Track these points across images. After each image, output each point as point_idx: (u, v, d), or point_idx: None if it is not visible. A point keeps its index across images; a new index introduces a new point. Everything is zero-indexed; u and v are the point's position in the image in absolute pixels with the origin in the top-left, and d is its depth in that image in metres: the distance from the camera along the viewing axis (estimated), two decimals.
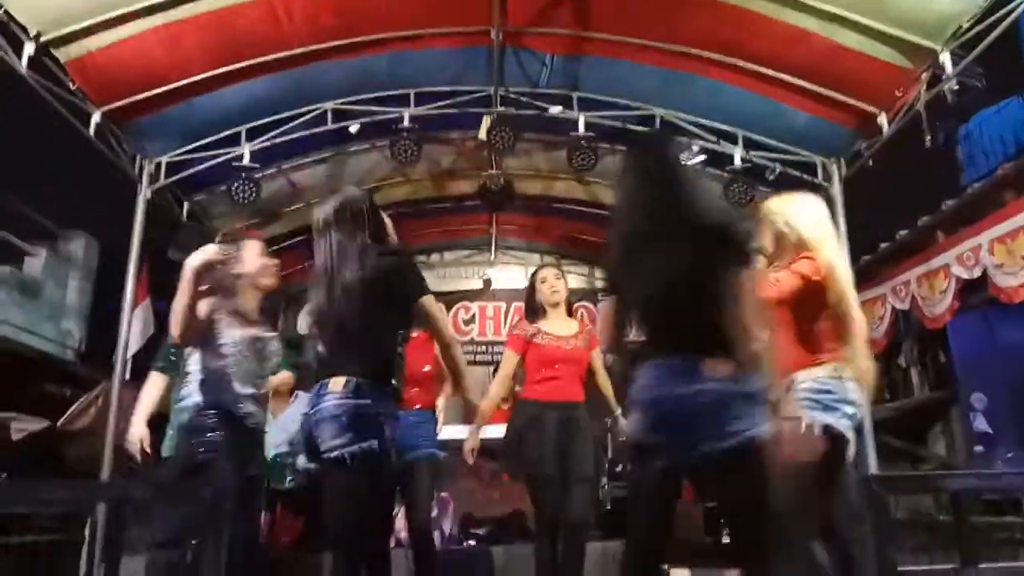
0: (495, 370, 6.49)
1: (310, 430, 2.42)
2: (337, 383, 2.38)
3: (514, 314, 8.29)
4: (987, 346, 7.19)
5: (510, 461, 3.67)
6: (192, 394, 3.00)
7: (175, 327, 2.81)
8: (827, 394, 2.54)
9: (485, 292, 8.45)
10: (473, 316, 8.40)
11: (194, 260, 2.81)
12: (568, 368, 3.68)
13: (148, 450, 3.51)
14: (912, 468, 8.13)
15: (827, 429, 2.50)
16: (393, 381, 2.51)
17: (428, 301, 2.57)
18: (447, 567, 4.53)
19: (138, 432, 3.50)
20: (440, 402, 3.91)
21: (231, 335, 2.92)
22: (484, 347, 8.23)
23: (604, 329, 2.38)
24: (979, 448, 7.02)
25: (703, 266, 2.12)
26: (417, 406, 3.72)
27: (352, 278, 2.45)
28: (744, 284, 2.09)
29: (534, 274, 3.96)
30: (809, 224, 2.74)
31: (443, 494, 5.37)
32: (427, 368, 3.80)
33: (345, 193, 2.73)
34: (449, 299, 8.23)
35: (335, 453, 2.33)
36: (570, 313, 3.89)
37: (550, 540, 3.50)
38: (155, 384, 3.61)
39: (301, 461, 2.51)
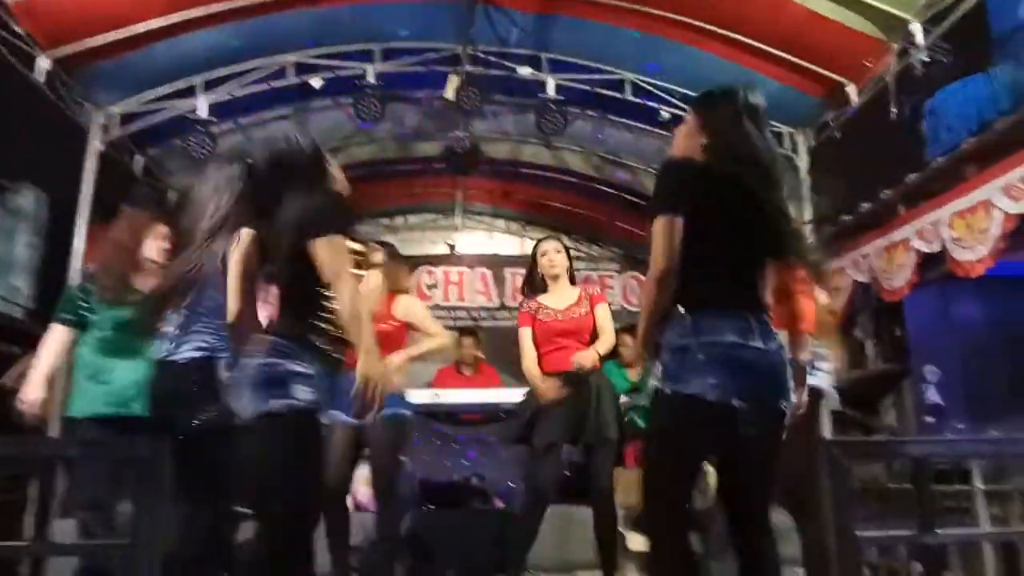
0: (461, 334, 6.47)
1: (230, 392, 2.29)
2: (259, 339, 2.25)
3: (479, 279, 8.24)
4: (941, 320, 7.33)
5: (519, 431, 3.72)
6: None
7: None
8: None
9: (449, 257, 8.37)
10: (437, 281, 8.31)
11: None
12: (574, 338, 3.69)
13: (44, 415, 3.14)
14: (864, 437, 8.31)
15: (811, 391, 2.52)
16: (314, 336, 2.25)
17: (322, 244, 2.17)
18: (405, 530, 4.52)
19: (37, 394, 3.03)
20: (397, 356, 3.71)
21: None
22: (447, 312, 8.17)
23: (668, 248, 2.04)
24: (929, 419, 7.18)
25: (780, 231, 2.12)
26: None
27: (277, 225, 2.24)
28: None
29: (535, 247, 3.95)
30: None
31: (402, 458, 5.33)
32: (382, 326, 3.68)
33: (283, 140, 2.43)
34: (413, 263, 8.14)
35: (247, 415, 2.17)
36: (573, 282, 3.88)
37: (541, 510, 3.59)
38: (58, 338, 3.11)
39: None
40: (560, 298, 3.79)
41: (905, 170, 6.33)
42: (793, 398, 2.09)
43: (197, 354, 2.70)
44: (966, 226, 5.23)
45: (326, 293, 2.24)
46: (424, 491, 5.11)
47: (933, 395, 7.25)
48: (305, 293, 2.26)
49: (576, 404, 3.59)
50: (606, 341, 3.75)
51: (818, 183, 5.72)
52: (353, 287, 2.26)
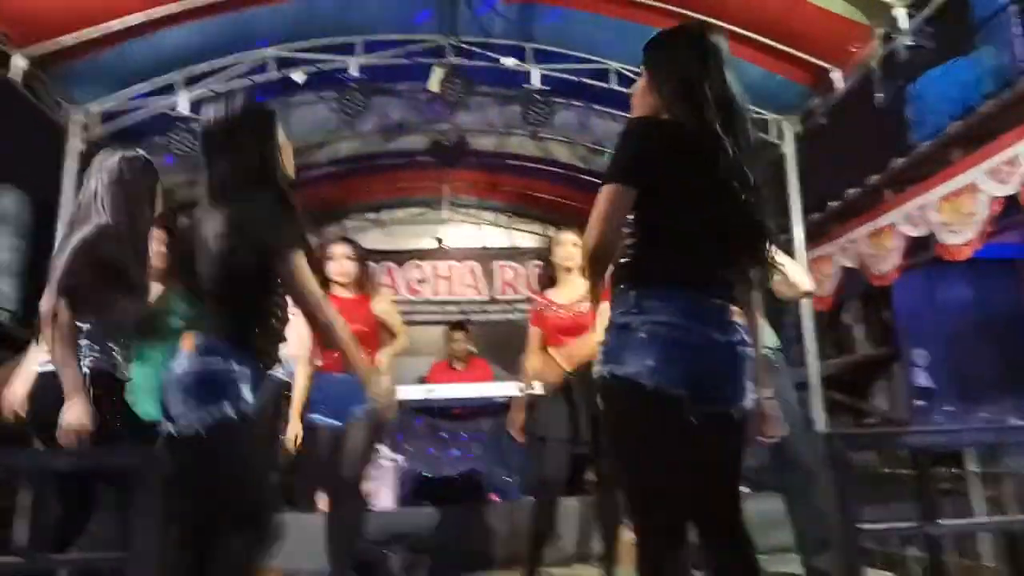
0: (450, 328, 6.45)
1: (162, 399, 2.12)
2: (188, 341, 2.15)
3: (467, 273, 8.20)
4: (928, 304, 7.37)
5: (531, 425, 3.72)
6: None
7: None
8: None
9: (437, 251, 8.33)
10: (425, 276, 8.26)
11: None
12: (579, 332, 3.68)
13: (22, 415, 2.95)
14: (855, 422, 8.36)
15: None
16: (256, 340, 2.15)
17: (280, 262, 2.08)
18: (400, 527, 4.51)
19: (20, 391, 2.83)
20: (382, 358, 3.83)
21: None
22: (437, 306, 8.13)
23: (605, 221, 1.78)
24: (920, 403, 7.23)
25: (754, 204, 1.85)
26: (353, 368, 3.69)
27: (214, 221, 2.12)
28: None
29: (552, 237, 3.99)
30: None
31: (397, 456, 5.32)
32: (363, 328, 3.70)
33: (221, 105, 2.26)
34: (400, 258, 8.10)
35: (183, 422, 2.01)
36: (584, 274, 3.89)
37: (549, 503, 3.62)
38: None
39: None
40: (567, 292, 3.78)
41: (891, 155, 6.35)
42: (750, 398, 1.84)
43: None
44: (953, 210, 5.25)
45: (270, 297, 2.15)
46: (419, 487, 5.10)
47: (923, 378, 7.31)
48: (248, 293, 2.14)
49: (570, 397, 3.61)
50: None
51: (805, 170, 5.72)
52: (328, 304, 2.19)
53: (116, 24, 4.66)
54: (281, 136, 2.30)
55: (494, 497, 5.20)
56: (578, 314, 3.72)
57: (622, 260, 1.88)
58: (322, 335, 2.17)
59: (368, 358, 3.70)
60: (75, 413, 2.26)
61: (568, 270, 3.80)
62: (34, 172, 5.50)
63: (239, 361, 2.08)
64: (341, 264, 3.80)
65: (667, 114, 1.90)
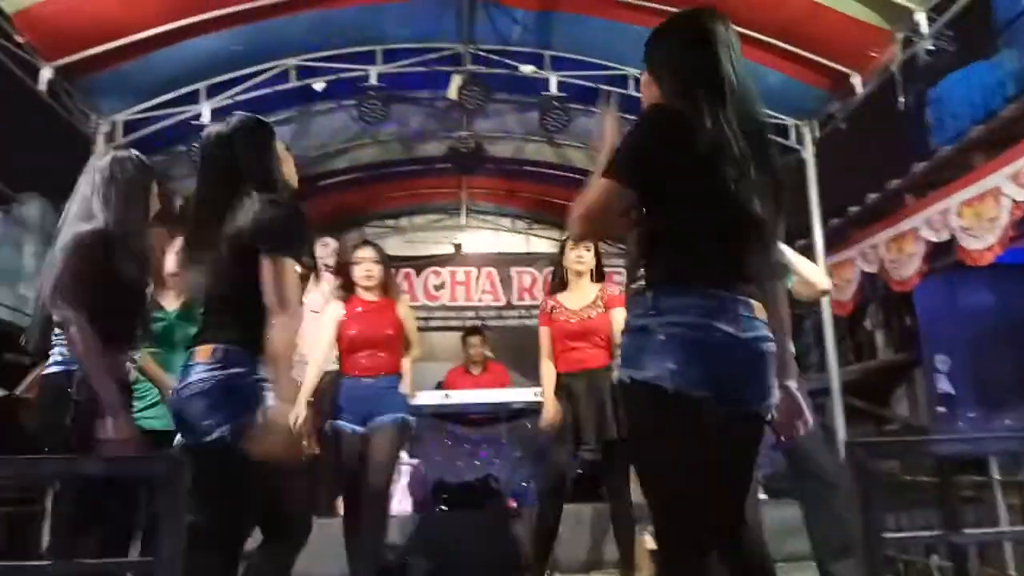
0: (467, 333, 6.46)
1: (180, 409, 2.08)
2: (204, 351, 2.07)
3: (485, 279, 8.23)
4: (950, 309, 7.31)
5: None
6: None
7: None
8: None
9: (455, 257, 8.36)
10: (443, 282, 8.30)
11: None
12: (590, 338, 3.72)
13: None
14: (875, 428, 8.29)
15: None
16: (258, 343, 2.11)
17: (268, 264, 2.04)
18: (419, 532, 4.53)
19: None
20: (406, 364, 3.85)
21: None
22: (455, 312, 8.16)
23: (595, 211, 1.76)
24: (941, 409, 7.16)
25: (774, 196, 1.79)
26: (381, 372, 3.72)
27: (224, 233, 2.10)
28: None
29: (564, 241, 3.98)
30: None
31: (414, 461, 5.34)
32: (389, 331, 3.78)
33: (226, 121, 2.27)
34: (418, 264, 8.14)
35: (212, 433, 1.97)
36: (601, 277, 3.89)
37: (556, 507, 3.63)
38: None
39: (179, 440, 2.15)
40: (577, 297, 3.79)
41: (912, 159, 6.30)
42: (775, 395, 1.78)
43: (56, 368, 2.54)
44: (974, 214, 5.21)
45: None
46: (438, 492, 5.12)
47: (944, 384, 7.24)
48: (255, 298, 2.08)
49: (574, 408, 3.65)
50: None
51: (825, 175, 5.69)
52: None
53: (140, 35, 4.73)
54: (280, 147, 2.31)
55: (512, 502, 5.20)
56: (587, 320, 3.73)
57: (636, 261, 1.86)
58: (277, 357, 2.04)
59: (394, 361, 3.76)
60: (119, 430, 2.30)
61: (579, 274, 3.81)
62: (58, 181, 5.57)
63: (260, 368, 2.07)
64: (367, 268, 3.81)
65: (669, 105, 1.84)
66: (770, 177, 1.80)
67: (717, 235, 1.76)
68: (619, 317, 3.76)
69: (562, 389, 3.71)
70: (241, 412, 2.00)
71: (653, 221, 1.81)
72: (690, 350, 1.67)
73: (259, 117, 2.32)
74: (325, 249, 4.79)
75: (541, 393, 3.86)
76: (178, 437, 2.12)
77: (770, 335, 1.77)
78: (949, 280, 6.96)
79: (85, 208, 2.56)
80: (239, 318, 2.10)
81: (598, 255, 3.87)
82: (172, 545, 1.44)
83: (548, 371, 3.80)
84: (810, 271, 3.49)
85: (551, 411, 3.67)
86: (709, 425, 1.65)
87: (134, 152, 2.74)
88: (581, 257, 3.78)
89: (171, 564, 1.38)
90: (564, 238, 4.06)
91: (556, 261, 3.99)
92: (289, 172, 2.33)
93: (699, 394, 1.64)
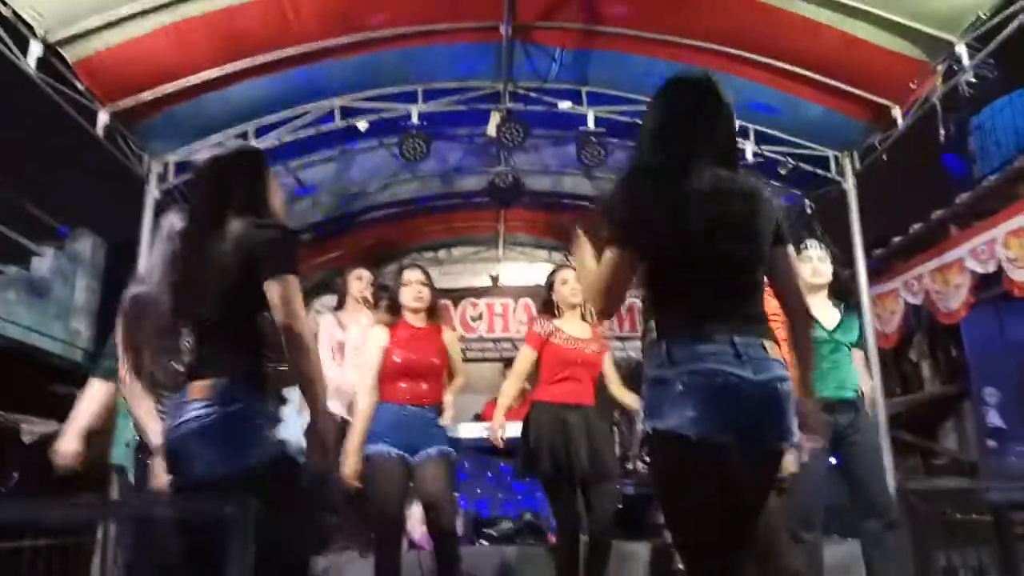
0: (505, 366, 6.47)
1: (174, 450, 2.01)
2: (200, 388, 1.99)
3: (523, 310, 8.27)
4: (998, 340, 7.14)
5: (529, 463, 3.61)
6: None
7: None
8: None
9: (492, 289, 8.42)
10: (480, 313, 8.37)
11: None
12: (585, 371, 3.67)
13: (78, 466, 3.14)
14: (923, 463, 8.09)
15: None
16: (268, 378, 2.09)
17: (276, 284, 2.01)
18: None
19: (70, 446, 3.14)
20: (448, 398, 3.67)
21: None
22: (492, 343, 8.21)
23: (605, 286, 1.83)
24: (992, 443, 6.97)
25: (765, 234, 1.87)
26: (424, 402, 3.54)
27: (216, 256, 2.06)
28: (792, 267, 1.95)
29: (553, 273, 3.94)
30: None
31: (455, 494, 5.34)
32: (435, 360, 3.62)
33: (217, 151, 2.30)
34: (456, 296, 8.22)
35: (214, 471, 1.91)
36: (584, 317, 3.85)
37: (573, 541, 3.49)
38: (95, 393, 3.27)
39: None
40: (576, 328, 3.75)
41: (955, 189, 6.22)
42: (794, 435, 1.82)
43: None
44: (1021, 245, 5.13)
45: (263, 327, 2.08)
46: (476, 526, 5.11)
47: (994, 418, 7.05)
48: (252, 326, 2.07)
49: (566, 443, 3.52)
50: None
51: (867, 205, 5.64)
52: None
53: (192, 79, 4.92)
54: (271, 174, 2.30)
55: (552, 538, 5.17)
56: (587, 353, 3.67)
57: (647, 316, 1.94)
58: (296, 360, 2.02)
59: (437, 391, 3.60)
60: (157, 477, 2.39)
61: (573, 307, 3.75)
62: (109, 218, 5.77)
63: (261, 402, 2.04)
64: (418, 290, 3.66)
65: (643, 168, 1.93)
66: (745, 217, 1.86)
67: (714, 283, 1.82)
68: (609, 361, 3.81)
69: (554, 423, 3.56)
70: (247, 451, 1.95)
71: (651, 276, 1.88)
72: (708, 397, 1.72)
73: (253, 146, 2.39)
74: (360, 282, 4.71)
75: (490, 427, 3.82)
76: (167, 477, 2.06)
77: (786, 374, 1.82)
78: (998, 310, 6.81)
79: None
80: (240, 348, 2.05)
81: None
82: None
83: (512, 390, 3.79)
84: (868, 385, 3.58)
85: (496, 432, 3.70)
86: (732, 468, 1.70)
87: (179, 211, 2.81)
88: (575, 290, 3.71)
89: None
90: (553, 271, 3.98)
91: (546, 292, 3.87)
92: (278, 205, 2.30)
93: (720, 439, 1.70)
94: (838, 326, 3.37)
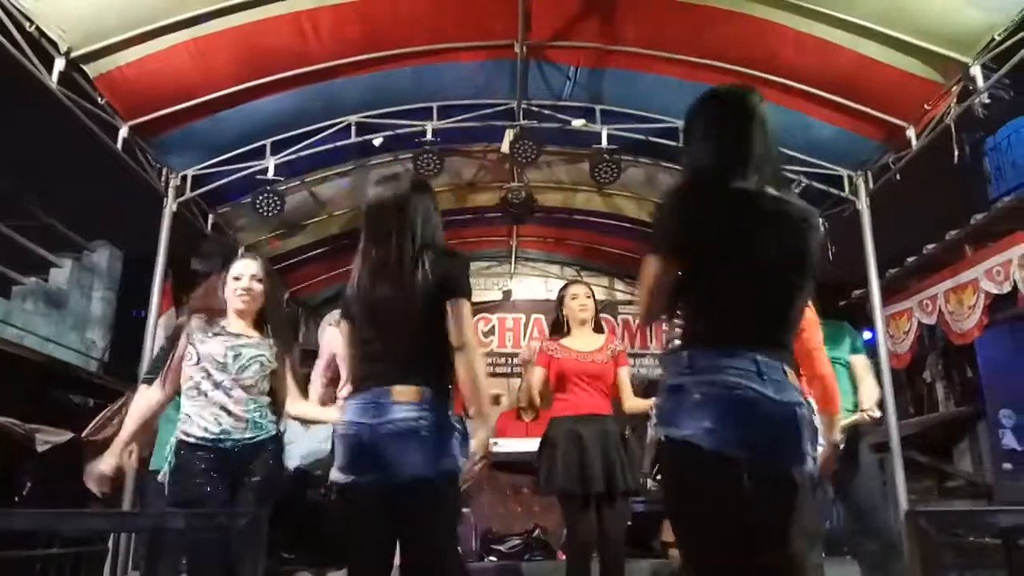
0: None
1: (374, 443, 2.16)
2: (406, 392, 2.18)
3: (533, 325, 8.28)
4: (1014, 361, 7.08)
5: (547, 479, 3.60)
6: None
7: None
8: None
9: (505, 303, 8.44)
10: (493, 328, 8.39)
11: None
12: (591, 382, 3.67)
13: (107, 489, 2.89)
14: (937, 484, 8.01)
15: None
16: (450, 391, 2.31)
17: (458, 306, 2.27)
18: None
19: (111, 463, 2.86)
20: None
21: None
22: (504, 359, 8.22)
23: (647, 295, 1.85)
24: (1007, 465, 6.89)
25: (813, 263, 1.85)
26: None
27: (417, 278, 2.26)
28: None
29: (564, 288, 3.97)
30: None
31: (464, 509, 5.33)
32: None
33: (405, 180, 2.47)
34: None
35: (414, 472, 2.11)
36: (599, 329, 3.87)
37: (584, 557, 3.49)
38: (146, 401, 2.95)
39: (336, 476, 2.25)
40: (582, 342, 3.77)
41: (969, 209, 6.20)
42: (810, 461, 1.79)
43: None
44: None
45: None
46: (486, 542, 5.10)
47: (1010, 440, 6.98)
48: (447, 347, 2.26)
49: (580, 454, 3.51)
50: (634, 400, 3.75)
51: (881, 225, 5.62)
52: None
53: (211, 96, 4.99)
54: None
55: (561, 555, 5.15)
56: (595, 364, 3.68)
57: (673, 322, 1.91)
58: (468, 380, 2.24)
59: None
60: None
61: (582, 323, 3.78)
62: (127, 230, 5.83)
63: (450, 412, 2.24)
64: (583, 303, 3.79)
65: (697, 177, 1.93)
66: (794, 240, 1.83)
67: (750, 300, 1.79)
68: (625, 375, 3.77)
69: (568, 436, 3.55)
70: (447, 458, 2.16)
71: (687, 286, 1.85)
72: (726, 410, 1.69)
73: (423, 179, 2.62)
74: None
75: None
76: (352, 477, 2.21)
77: (803, 400, 1.79)
78: (1013, 331, 6.76)
79: None
80: (434, 362, 2.26)
81: (596, 305, 3.86)
82: None
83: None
84: (868, 390, 3.52)
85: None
86: (744, 485, 1.65)
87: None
88: (584, 306, 3.77)
89: None
90: (564, 286, 4.01)
91: (556, 308, 3.91)
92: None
93: (734, 454, 1.66)
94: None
